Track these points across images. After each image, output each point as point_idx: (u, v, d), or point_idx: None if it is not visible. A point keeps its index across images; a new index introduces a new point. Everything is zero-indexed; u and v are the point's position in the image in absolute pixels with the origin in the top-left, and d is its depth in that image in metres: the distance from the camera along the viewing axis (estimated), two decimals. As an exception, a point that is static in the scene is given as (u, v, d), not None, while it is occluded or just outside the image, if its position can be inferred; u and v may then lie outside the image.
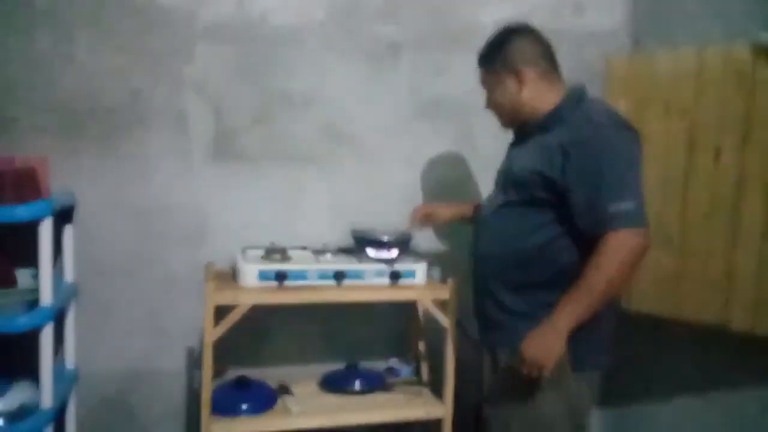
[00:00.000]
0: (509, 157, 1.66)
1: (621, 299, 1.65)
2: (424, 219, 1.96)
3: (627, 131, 1.44)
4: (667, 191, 1.82)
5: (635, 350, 2.08)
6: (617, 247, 1.34)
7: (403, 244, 1.95)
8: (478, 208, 1.85)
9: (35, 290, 1.63)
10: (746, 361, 1.76)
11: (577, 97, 1.51)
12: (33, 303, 1.64)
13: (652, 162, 1.80)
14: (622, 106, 1.88)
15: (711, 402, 1.89)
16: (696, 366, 1.94)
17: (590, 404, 1.57)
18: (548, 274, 1.47)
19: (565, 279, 1.43)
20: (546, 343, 1.38)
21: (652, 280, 1.84)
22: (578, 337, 1.40)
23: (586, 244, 1.39)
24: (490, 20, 2.07)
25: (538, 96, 1.52)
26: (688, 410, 1.96)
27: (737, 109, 1.66)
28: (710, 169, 1.72)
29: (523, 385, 1.45)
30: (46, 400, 1.64)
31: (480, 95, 1.68)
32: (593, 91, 1.56)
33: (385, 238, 1.94)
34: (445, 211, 1.97)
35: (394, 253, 1.91)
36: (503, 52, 1.56)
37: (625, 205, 1.34)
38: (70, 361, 1.91)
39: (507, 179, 1.57)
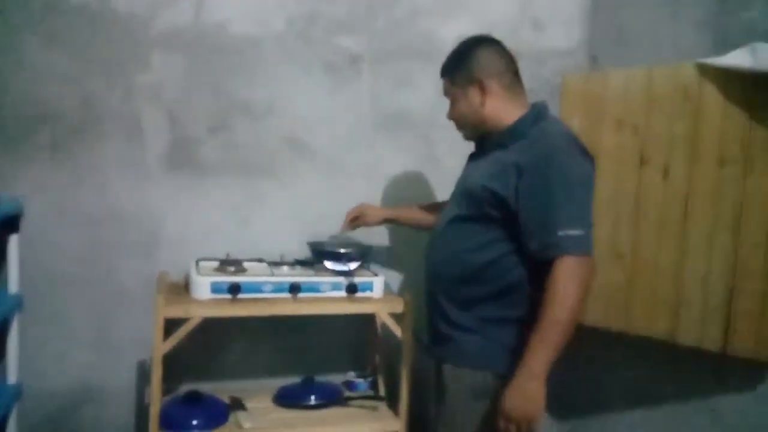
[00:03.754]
0: (467, 169, 1.65)
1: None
2: (354, 222, 1.95)
3: (583, 157, 1.43)
4: (619, 207, 1.85)
5: (586, 364, 2.10)
6: (570, 275, 1.31)
7: (361, 256, 1.94)
8: (431, 208, 1.86)
9: (-25, 302, 1.58)
10: (694, 374, 1.80)
11: (537, 115, 1.50)
12: (-28, 315, 1.58)
13: (605, 178, 1.84)
14: (576, 122, 1.92)
15: (661, 414, 1.91)
16: (646, 379, 1.97)
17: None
18: (495, 291, 1.46)
19: (511, 295, 1.44)
20: (528, 394, 1.32)
21: (603, 294, 1.86)
22: (514, 351, 1.39)
23: (534, 262, 1.39)
24: (450, 35, 2.08)
25: (500, 108, 1.51)
26: (638, 423, 1.99)
27: (684, 127, 1.70)
28: (659, 186, 1.76)
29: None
30: (-16, 416, 1.58)
31: (441, 108, 1.68)
32: (550, 108, 1.57)
33: (342, 251, 1.92)
34: (375, 214, 1.96)
35: (352, 265, 1.90)
36: (467, 62, 1.54)
37: (574, 232, 1.33)
38: (12, 375, 1.84)
39: (461, 192, 1.57)
